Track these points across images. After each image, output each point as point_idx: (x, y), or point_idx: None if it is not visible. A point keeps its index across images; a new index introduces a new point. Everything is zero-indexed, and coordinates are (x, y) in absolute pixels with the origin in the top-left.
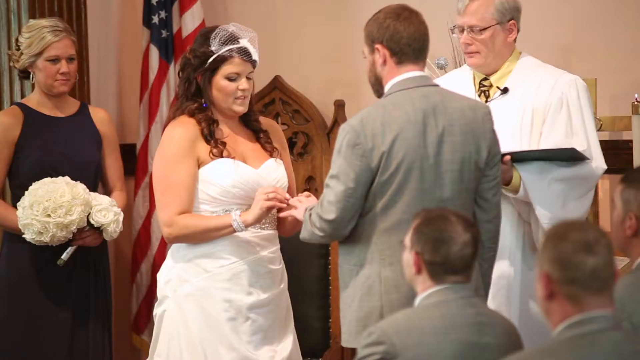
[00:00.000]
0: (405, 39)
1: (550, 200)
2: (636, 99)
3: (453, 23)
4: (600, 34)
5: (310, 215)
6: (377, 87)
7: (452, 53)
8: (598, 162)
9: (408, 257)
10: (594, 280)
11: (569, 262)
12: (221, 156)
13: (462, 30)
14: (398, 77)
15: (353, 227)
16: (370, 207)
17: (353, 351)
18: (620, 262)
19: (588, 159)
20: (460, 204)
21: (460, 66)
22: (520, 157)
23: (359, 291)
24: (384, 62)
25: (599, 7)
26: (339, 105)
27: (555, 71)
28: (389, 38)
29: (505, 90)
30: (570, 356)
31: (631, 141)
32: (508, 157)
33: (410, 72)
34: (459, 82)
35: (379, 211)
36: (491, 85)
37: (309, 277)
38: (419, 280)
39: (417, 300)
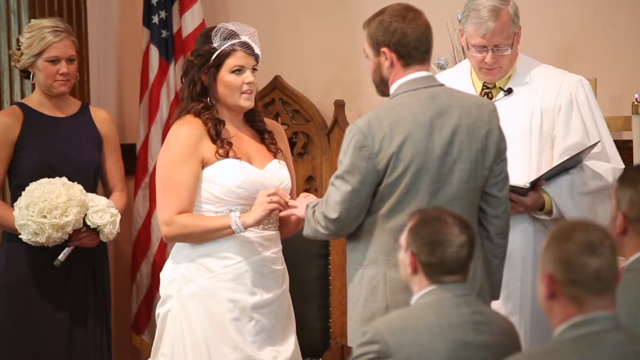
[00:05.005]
0: (412, 42)
1: (583, 214)
2: (636, 99)
3: (453, 23)
4: (600, 34)
5: (313, 212)
6: (382, 87)
7: (452, 53)
8: (616, 162)
9: (404, 257)
10: (597, 281)
11: (572, 263)
12: (227, 156)
13: (484, 50)
14: (405, 77)
15: (360, 225)
16: (378, 207)
17: None
18: (622, 262)
19: (582, 159)
20: (467, 203)
21: None
22: (547, 177)
23: (364, 291)
24: (391, 65)
25: (599, 7)
26: (339, 105)
27: (558, 71)
28: (397, 42)
29: (509, 91)
30: (573, 356)
31: (631, 141)
32: (543, 182)
33: (416, 73)
34: (457, 83)
35: (386, 212)
36: (494, 86)
37: (309, 277)
38: (415, 280)
39: (413, 300)
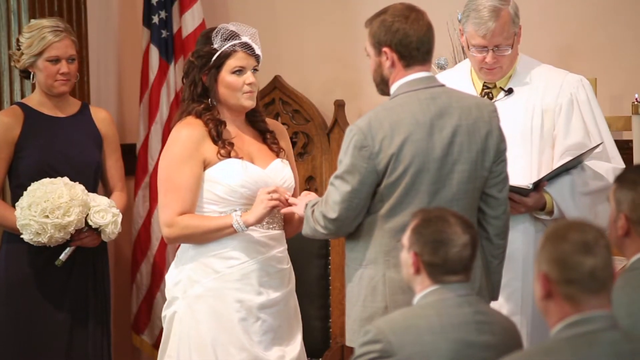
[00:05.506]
0: (414, 43)
1: (584, 214)
2: (636, 99)
3: (453, 23)
4: (600, 34)
5: (312, 211)
6: (383, 86)
7: (452, 53)
8: (617, 162)
9: (406, 257)
10: (592, 280)
11: (568, 262)
12: (229, 156)
13: (485, 51)
14: (405, 78)
15: (359, 225)
16: (377, 207)
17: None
18: (620, 262)
19: (583, 160)
20: (467, 203)
21: None
22: (549, 178)
23: (363, 291)
24: (392, 65)
25: (599, 7)
26: (339, 105)
27: (558, 71)
28: (398, 42)
29: (509, 91)
30: (569, 355)
31: (631, 141)
32: (545, 183)
33: (417, 73)
34: (457, 83)
35: (386, 212)
36: (494, 86)
37: (309, 277)
38: (418, 280)
39: (416, 300)
